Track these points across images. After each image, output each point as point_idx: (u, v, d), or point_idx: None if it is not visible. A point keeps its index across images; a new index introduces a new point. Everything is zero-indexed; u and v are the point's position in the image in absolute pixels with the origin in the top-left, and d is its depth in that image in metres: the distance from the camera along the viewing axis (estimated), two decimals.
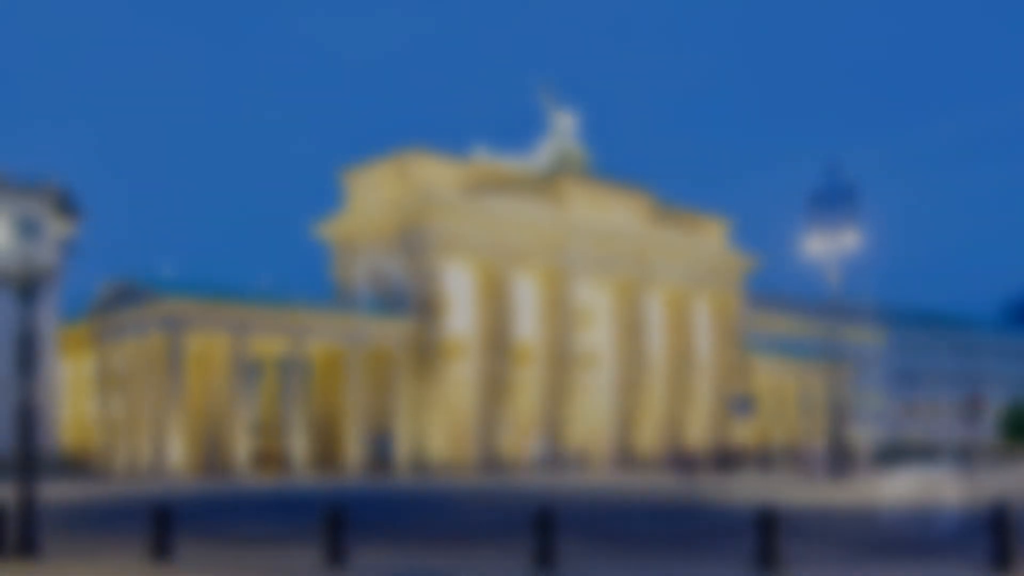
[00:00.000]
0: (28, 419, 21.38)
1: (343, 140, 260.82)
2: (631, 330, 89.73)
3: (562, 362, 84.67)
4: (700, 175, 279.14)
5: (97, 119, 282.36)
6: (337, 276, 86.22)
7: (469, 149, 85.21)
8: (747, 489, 44.25)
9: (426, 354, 77.70)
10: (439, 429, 77.80)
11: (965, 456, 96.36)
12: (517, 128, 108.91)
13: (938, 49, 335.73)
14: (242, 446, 71.71)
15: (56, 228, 23.27)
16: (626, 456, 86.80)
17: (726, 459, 77.58)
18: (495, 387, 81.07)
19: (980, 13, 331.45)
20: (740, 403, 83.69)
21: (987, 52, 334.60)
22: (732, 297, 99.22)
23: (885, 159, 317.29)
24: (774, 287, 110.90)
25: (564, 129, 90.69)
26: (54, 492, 41.97)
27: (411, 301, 78.71)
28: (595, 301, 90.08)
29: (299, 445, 73.86)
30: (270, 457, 74.98)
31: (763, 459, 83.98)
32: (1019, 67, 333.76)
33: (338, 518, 17.43)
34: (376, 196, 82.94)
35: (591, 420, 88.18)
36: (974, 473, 61.49)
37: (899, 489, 39.74)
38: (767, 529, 16.08)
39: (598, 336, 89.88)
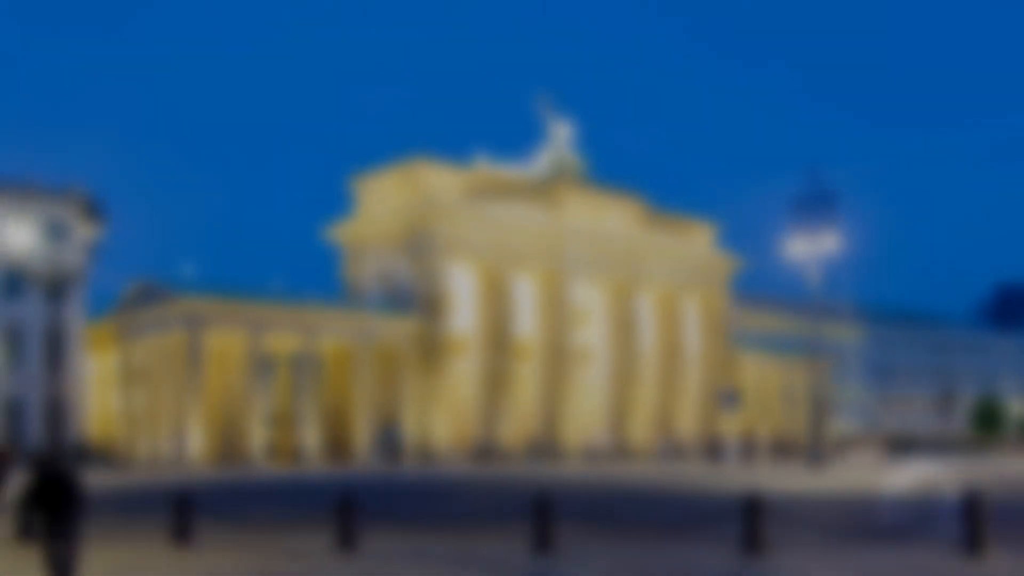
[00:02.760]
0: (56, 411, 21.42)
1: (353, 148, 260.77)
2: (624, 328, 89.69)
3: (559, 358, 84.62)
4: (690, 181, 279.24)
5: (123, 129, 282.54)
6: (347, 277, 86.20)
7: (471, 157, 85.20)
8: (738, 477, 44.25)
9: (431, 350, 77.67)
10: (443, 421, 77.77)
11: (943, 447, 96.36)
12: (517, 135, 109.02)
13: (915, 65, 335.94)
14: (257, 437, 71.67)
15: (83, 232, 23.36)
16: (620, 447, 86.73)
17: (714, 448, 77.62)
18: (496, 381, 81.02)
19: (958, 31, 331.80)
20: (727, 396, 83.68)
21: (964, 68, 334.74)
22: (719, 296, 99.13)
23: (865, 167, 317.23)
24: (759, 287, 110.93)
25: (561, 138, 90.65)
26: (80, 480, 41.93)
27: (417, 300, 78.68)
28: (590, 300, 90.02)
29: (311, 436, 73.84)
30: (284, 447, 74.98)
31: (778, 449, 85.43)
32: (997, 82, 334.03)
33: (348, 505, 17.46)
34: (384, 202, 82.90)
35: (586, 413, 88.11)
36: (951, 463, 61.53)
37: (900, 480, 39.62)
38: (752, 515, 16.11)
39: (593, 333, 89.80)
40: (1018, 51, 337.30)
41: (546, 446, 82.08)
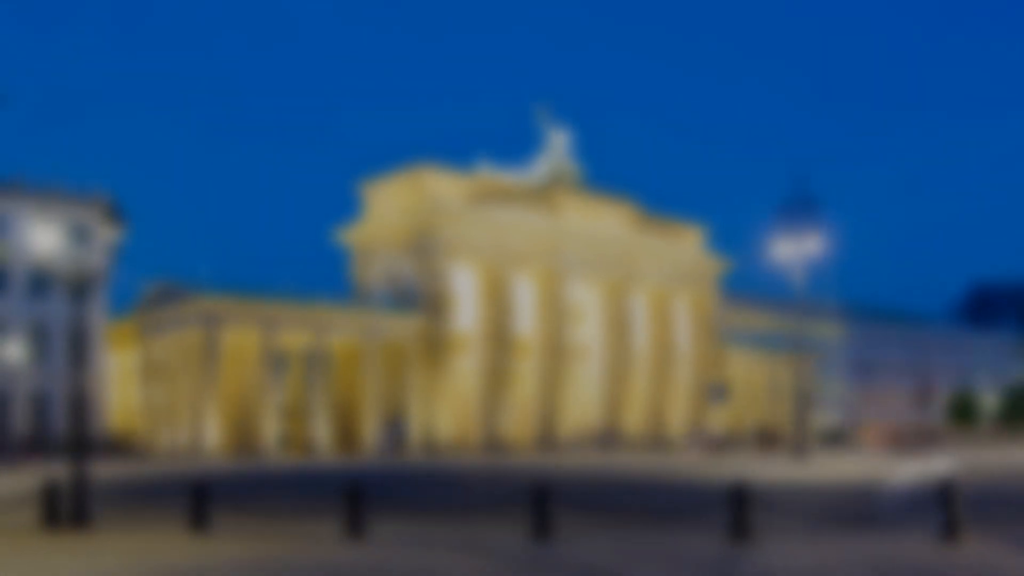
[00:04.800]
0: (80, 405, 21.39)
1: (361, 155, 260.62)
2: (618, 325, 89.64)
3: (557, 354, 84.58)
4: (681, 186, 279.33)
5: (143, 137, 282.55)
6: (356, 277, 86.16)
7: (474, 164, 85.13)
8: (726, 467, 44.20)
9: (435, 347, 77.63)
10: (447, 414, 77.73)
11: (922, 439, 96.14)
12: (516, 140, 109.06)
13: (897, 72, 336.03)
14: (271, 429, 71.65)
15: (105, 234, 23.35)
16: (614, 438, 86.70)
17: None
18: (497, 377, 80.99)
19: (941, 41, 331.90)
20: (716, 391, 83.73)
21: (945, 77, 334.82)
22: (708, 296, 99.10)
23: (848, 173, 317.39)
24: (746, 287, 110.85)
25: (558, 146, 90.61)
26: (103, 470, 41.96)
27: (422, 300, 78.65)
28: (586, 300, 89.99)
29: (322, 429, 73.82)
30: (296, 439, 74.96)
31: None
32: (977, 92, 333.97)
33: (356, 493, 17.45)
34: (391, 206, 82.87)
35: (582, 406, 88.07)
36: (950, 454, 61.47)
37: (908, 471, 39.40)
38: (739, 503, 16.11)
39: (589, 331, 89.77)
40: (998, 63, 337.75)
41: (545, 438, 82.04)
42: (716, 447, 74.50)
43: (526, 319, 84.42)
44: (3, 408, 65.47)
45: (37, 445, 63.83)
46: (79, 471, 19.22)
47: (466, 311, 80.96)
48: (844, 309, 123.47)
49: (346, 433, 77.55)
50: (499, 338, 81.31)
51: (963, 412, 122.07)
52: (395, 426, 75.74)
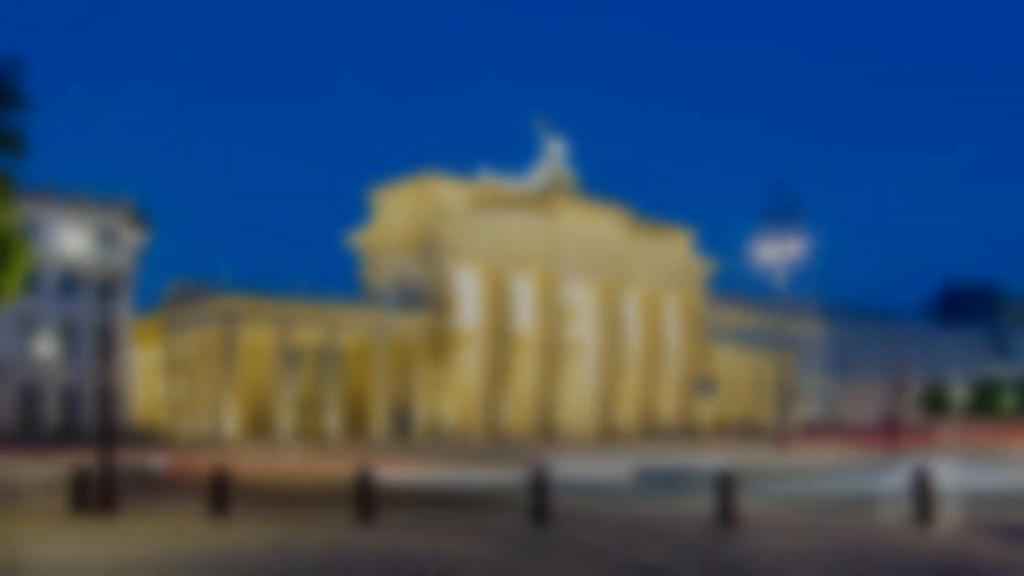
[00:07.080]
0: (107, 398, 21.42)
1: (370, 163, 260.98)
2: (612, 324, 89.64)
3: (554, 350, 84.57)
4: (671, 192, 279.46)
5: (165, 145, 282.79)
6: (365, 278, 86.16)
7: (476, 172, 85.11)
8: (715, 456, 44.18)
9: (440, 343, 77.63)
10: (451, 406, 77.72)
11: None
12: (515, 147, 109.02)
13: (876, 86, 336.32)
14: (286, 420, 71.63)
15: (130, 237, 23.35)
16: (608, 429, 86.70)
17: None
18: (497, 371, 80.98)
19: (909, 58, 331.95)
20: (703, 385, 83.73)
21: (919, 92, 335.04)
22: (696, 295, 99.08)
23: (826, 180, 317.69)
24: (731, 286, 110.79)
25: (556, 154, 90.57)
26: (129, 459, 41.89)
27: (427, 299, 78.64)
28: (582, 299, 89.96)
29: (333, 419, 73.81)
30: (309, 430, 74.89)
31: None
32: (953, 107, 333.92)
33: (366, 481, 17.44)
34: (398, 211, 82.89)
35: (578, 399, 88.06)
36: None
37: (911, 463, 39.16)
38: (725, 488, 16.15)
39: (584, 329, 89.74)
40: (982, 64, 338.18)
41: (544, 429, 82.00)
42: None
43: (525, 317, 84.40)
44: (35, 401, 65.51)
45: (67, 435, 63.84)
46: (106, 460, 19.23)
47: (469, 310, 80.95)
48: (824, 308, 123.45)
49: (356, 424, 77.53)
50: (500, 335, 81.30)
51: (934, 404, 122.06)
52: (403, 417, 75.72)
